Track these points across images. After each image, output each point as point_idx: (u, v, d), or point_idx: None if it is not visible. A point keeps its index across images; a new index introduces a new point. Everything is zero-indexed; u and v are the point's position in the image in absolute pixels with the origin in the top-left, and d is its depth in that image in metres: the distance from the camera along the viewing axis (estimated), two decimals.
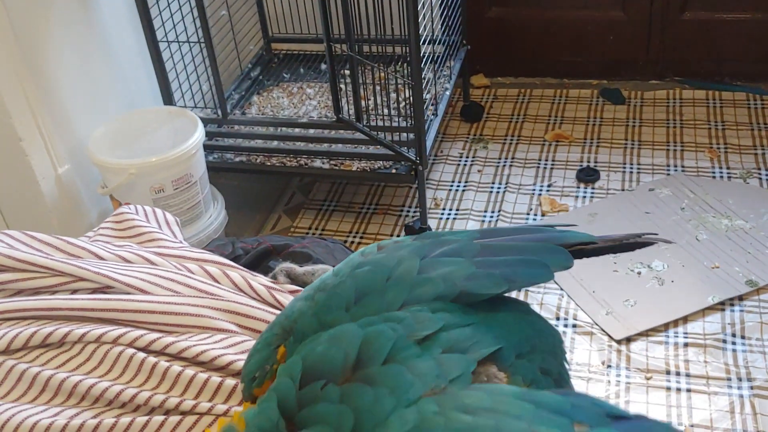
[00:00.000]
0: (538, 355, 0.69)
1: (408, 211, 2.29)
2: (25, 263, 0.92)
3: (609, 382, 1.72)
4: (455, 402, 0.56)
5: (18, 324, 0.87)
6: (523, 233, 0.77)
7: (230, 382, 0.79)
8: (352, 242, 2.20)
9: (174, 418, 0.76)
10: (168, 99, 2.11)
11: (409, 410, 0.56)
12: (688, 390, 1.68)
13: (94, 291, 0.91)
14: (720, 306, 1.86)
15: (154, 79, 2.09)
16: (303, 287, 0.95)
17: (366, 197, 2.36)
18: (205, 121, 2.05)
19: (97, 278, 0.90)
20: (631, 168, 2.36)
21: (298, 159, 2.17)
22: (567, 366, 0.75)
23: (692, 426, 1.60)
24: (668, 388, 1.69)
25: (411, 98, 1.98)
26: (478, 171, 2.42)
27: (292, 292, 0.95)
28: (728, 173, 2.30)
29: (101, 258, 0.95)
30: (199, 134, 1.89)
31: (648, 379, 1.72)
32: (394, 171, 2.10)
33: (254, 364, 0.72)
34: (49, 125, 1.83)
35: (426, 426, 0.55)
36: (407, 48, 1.89)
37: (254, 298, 0.92)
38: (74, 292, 0.91)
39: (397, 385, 0.58)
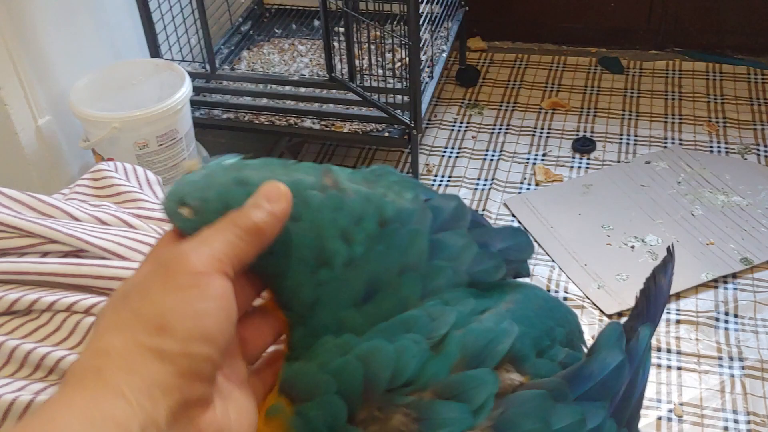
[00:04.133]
0: (559, 349, 0.64)
1: None
2: None
3: None
4: None
5: None
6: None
7: None
8: None
9: None
10: (154, 51, 2.03)
11: None
12: (679, 368, 1.65)
13: (66, 254, 0.85)
14: (713, 283, 1.83)
15: (140, 30, 2.01)
16: None
17: (357, 161, 2.30)
18: (193, 76, 1.98)
19: (69, 240, 0.84)
20: (628, 139, 2.31)
21: (288, 118, 2.11)
22: (585, 349, 0.70)
23: (681, 404, 1.58)
24: (659, 365, 1.66)
25: (407, 59, 1.92)
26: (472, 137, 2.36)
27: None
28: (726, 148, 2.26)
29: (75, 218, 0.89)
30: (185, 89, 1.82)
31: None
32: (386, 134, 2.04)
33: None
34: (29, 74, 1.75)
35: None
36: (404, 6, 1.82)
37: None
38: (44, 255, 0.85)
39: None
